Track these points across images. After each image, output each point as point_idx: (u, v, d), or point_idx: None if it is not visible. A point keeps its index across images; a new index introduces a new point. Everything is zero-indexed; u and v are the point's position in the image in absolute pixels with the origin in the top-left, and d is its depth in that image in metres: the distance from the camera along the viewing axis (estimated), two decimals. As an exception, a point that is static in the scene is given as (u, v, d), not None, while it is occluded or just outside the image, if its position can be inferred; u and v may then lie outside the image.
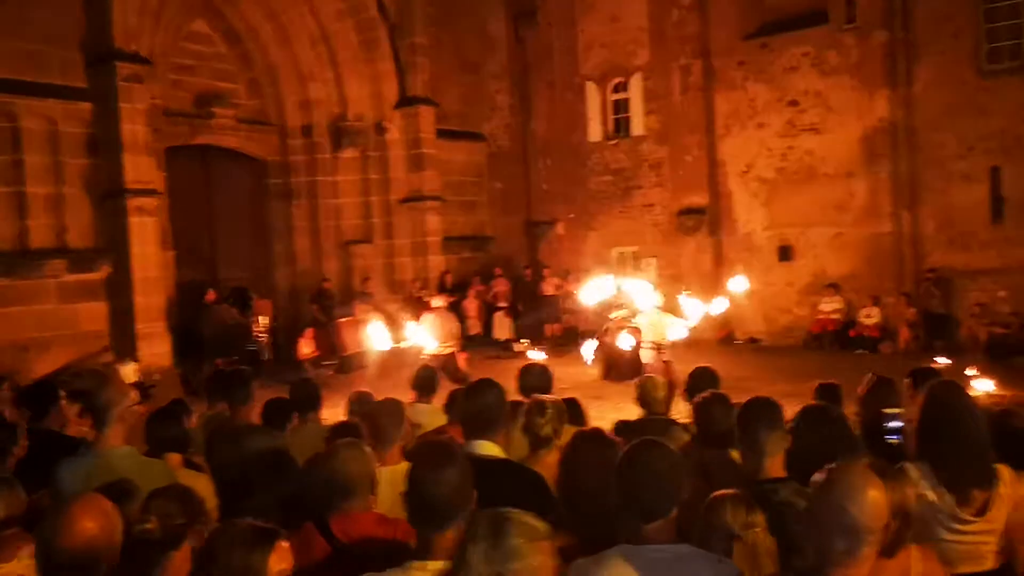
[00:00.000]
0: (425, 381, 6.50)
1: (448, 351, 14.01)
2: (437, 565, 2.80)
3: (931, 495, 3.40)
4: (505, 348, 19.10)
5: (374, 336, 15.13)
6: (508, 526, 2.46)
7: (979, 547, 3.45)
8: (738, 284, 13.58)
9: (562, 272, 20.54)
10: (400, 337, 15.03)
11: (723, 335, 18.97)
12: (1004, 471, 3.50)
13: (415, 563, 2.83)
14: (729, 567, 2.97)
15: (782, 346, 18.11)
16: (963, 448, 3.45)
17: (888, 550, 2.71)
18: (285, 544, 2.47)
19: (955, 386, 3.79)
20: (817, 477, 2.69)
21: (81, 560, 2.63)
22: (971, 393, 4.06)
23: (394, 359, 15.01)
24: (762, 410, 3.63)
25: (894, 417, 4.08)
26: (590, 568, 2.83)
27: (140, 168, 14.32)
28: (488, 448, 3.98)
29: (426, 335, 14.03)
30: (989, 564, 3.47)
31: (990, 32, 16.20)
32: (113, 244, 14.28)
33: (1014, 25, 16.06)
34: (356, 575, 2.95)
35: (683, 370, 6.13)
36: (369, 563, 2.96)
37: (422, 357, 12.81)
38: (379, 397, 4.80)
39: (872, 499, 2.57)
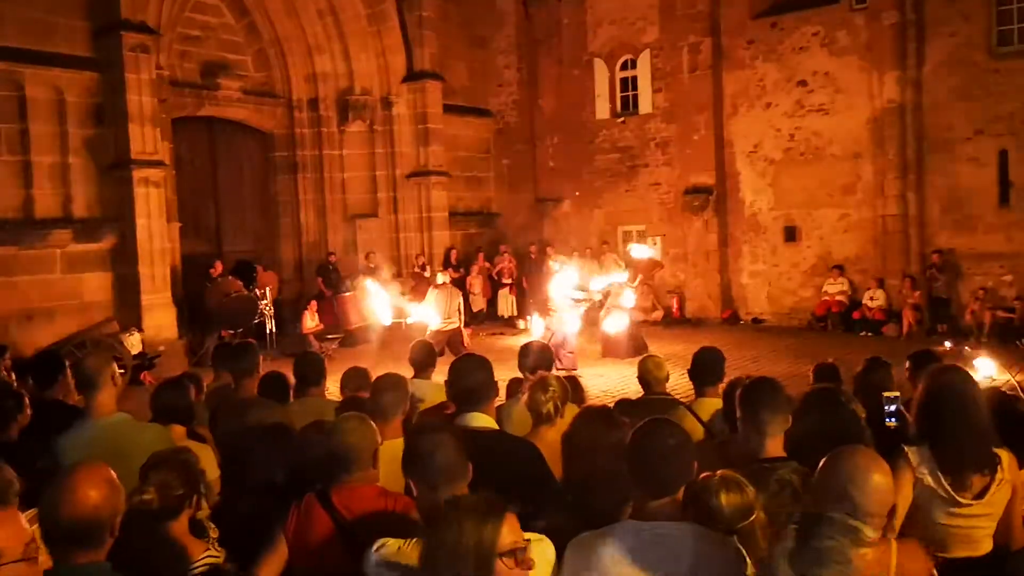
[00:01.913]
0: (422, 356, 6.44)
1: (452, 327, 14.00)
2: None
3: (929, 479, 3.41)
4: (509, 325, 19.15)
5: (378, 310, 15.17)
6: (822, 526, 2.25)
7: (974, 532, 3.45)
8: (641, 251, 16.68)
9: (568, 250, 20.52)
10: (404, 312, 15.06)
11: (727, 315, 19.00)
12: (1004, 456, 3.49)
13: None
14: (731, 545, 2.99)
15: (786, 327, 18.11)
16: (964, 432, 3.44)
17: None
18: (514, 516, 2.38)
19: (958, 370, 3.78)
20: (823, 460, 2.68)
21: (83, 528, 2.64)
22: (975, 377, 4.04)
23: (398, 334, 15.05)
24: (765, 391, 3.63)
25: (893, 401, 4.08)
26: (594, 542, 2.84)
27: (146, 139, 14.32)
28: (480, 420, 4.02)
29: (430, 310, 14.05)
30: (984, 549, 3.48)
31: (1000, 14, 16.07)
32: (118, 215, 14.30)
33: (1025, 7, 15.93)
34: (357, 548, 2.96)
35: (689, 350, 6.10)
36: (370, 536, 2.98)
37: (428, 332, 12.84)
38: (381, 371, 4.78)
39: (876, 483, 2.56)
